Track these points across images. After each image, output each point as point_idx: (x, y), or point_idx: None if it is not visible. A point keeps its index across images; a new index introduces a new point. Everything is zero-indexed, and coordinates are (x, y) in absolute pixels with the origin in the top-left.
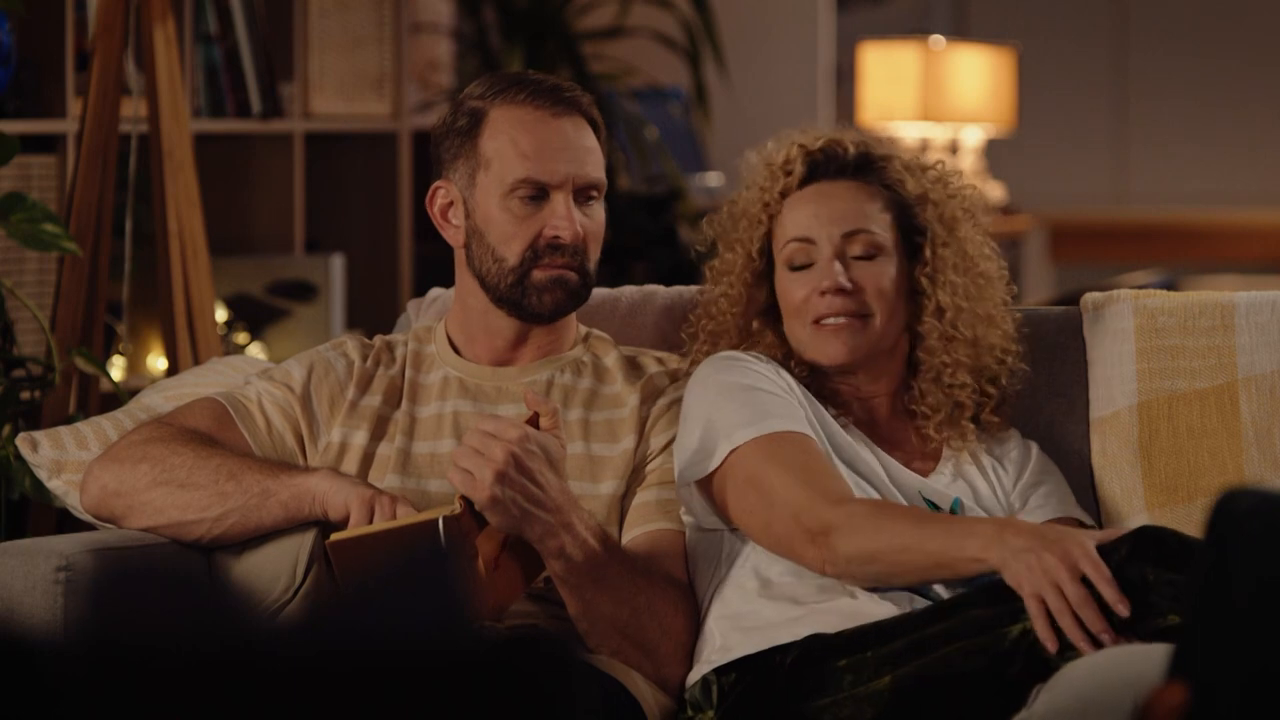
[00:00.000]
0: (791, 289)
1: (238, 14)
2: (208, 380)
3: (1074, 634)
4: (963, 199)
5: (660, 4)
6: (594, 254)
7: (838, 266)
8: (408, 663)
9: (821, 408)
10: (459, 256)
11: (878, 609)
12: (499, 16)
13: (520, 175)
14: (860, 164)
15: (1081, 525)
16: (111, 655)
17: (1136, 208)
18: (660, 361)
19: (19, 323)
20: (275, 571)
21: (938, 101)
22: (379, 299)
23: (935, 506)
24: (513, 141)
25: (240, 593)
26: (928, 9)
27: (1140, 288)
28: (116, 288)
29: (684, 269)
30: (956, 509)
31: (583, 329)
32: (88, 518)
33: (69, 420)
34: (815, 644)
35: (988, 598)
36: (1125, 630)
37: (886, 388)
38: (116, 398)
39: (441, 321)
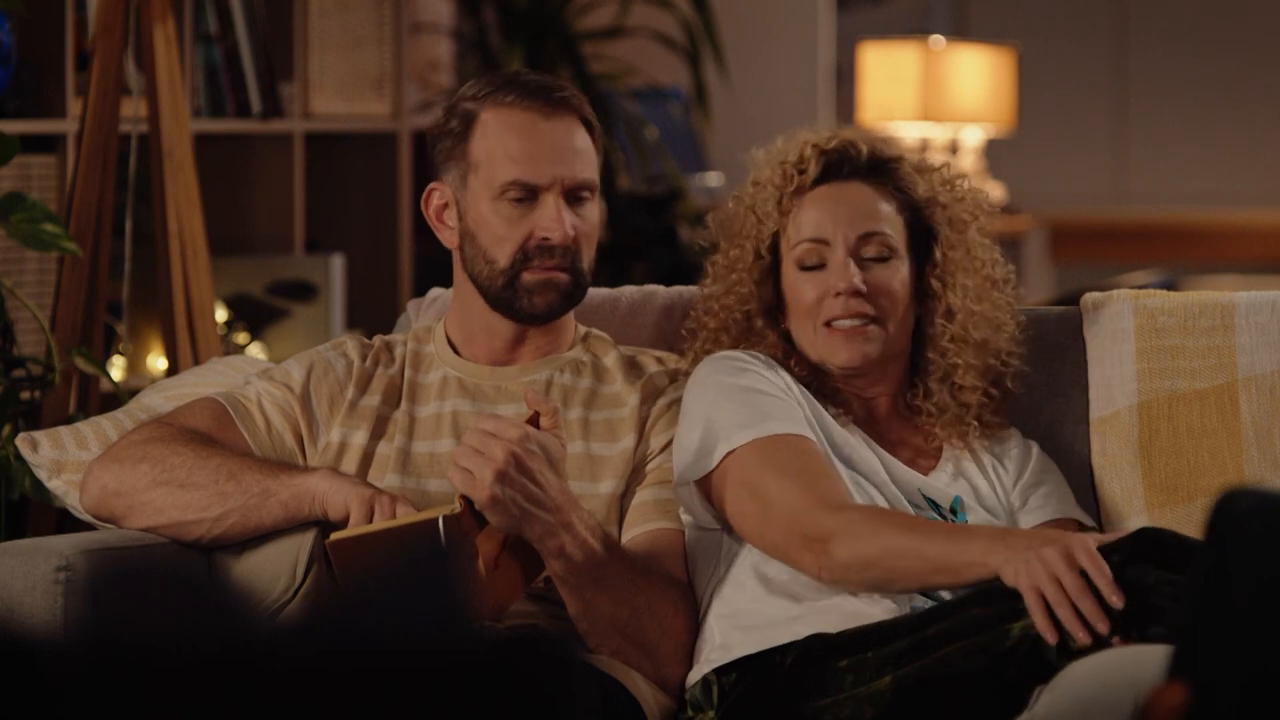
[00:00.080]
0: (803, 290)
1: (238, 14)
2: (208, 380)
3: (1072, 625)
4: (969, 201)
5: (660, 4)
6: (587, 254)
7: (853, 268)
8: (408, 663)
9: (821, 407)
10: (456, 257)
11: (878, 608)
12: (499, 16)
13: (509, 178)
14: (873, 165)
15: (1081, 526)
16: (111, 655)
17: (1136, 208)
18: (660, 361)
19: (19, 323)
20: (275, 571)
21: (938, 101)
22: (379, 299)
23: (935, 505)
24: (501, 144)
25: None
26: (928, 9)
27: (1140, 288)
28: (116, 288)
29: (684, 269)
30: (956, 507)
31: (582, 329)
32: (88, 518)
33: (69, 420)
34: (816, 644)
35: (988, 598)
36: (1125, 630)
37: (888, 388)
38: (116, 398)
39: (441, 321)
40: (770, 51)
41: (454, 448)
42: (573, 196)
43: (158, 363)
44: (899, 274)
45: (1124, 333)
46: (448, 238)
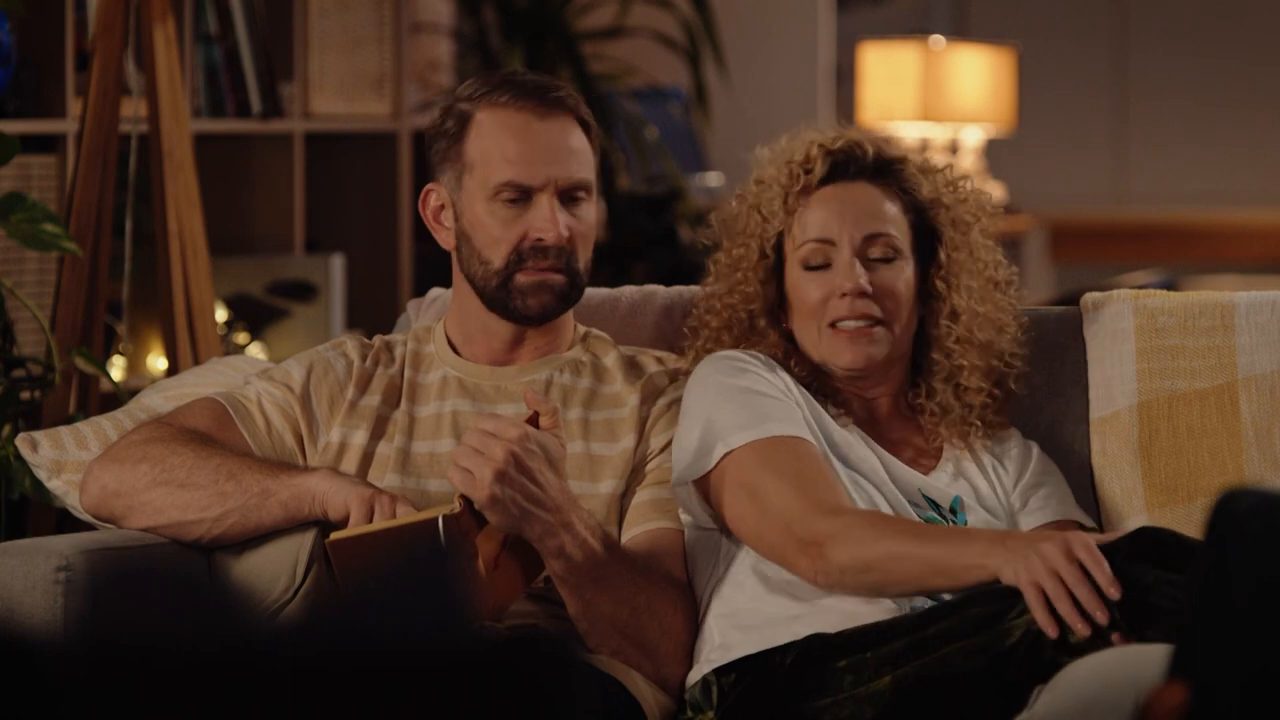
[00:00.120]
0: (808, 290)
1: (238, 14)
2: (208, 380)
3: (1071, 617)
4: (972, 203)
5: (660, 4)
6: (583, 254)
7: (859, 269)
8: (408, 663)
9: (820, 407)
10: (454, 258)
11: (878, 608)
12: (499, 16)
13: (502, 179)
14: (878, 166)
15: (1082, 528)
16: (111, 655)
17: (1136, 208)
18: (660, 361)
19: (19, 323)
20: (275, 571)
21: (938, 101)
22: (379, 299)
23: (935, 504)
24: (496, 145)
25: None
26: (928, 9)
27: (1140, 288)
28: (116, 288)
29: (684, 269)
30: (956, 507)
31: (581, 329)
32: (88, 518)
33: (69, 420)
34: (815, 644)
35: (988, 598)
36: (1125, 628)
37: (889, 388)
38: (116, 398)
39: (440, 321)
40: (770, 51)
41: (454, 448)
42: (568, 197)
43: (158, 363)
44: (903, 275)
45: (1124, 333)
46: (445, 239)
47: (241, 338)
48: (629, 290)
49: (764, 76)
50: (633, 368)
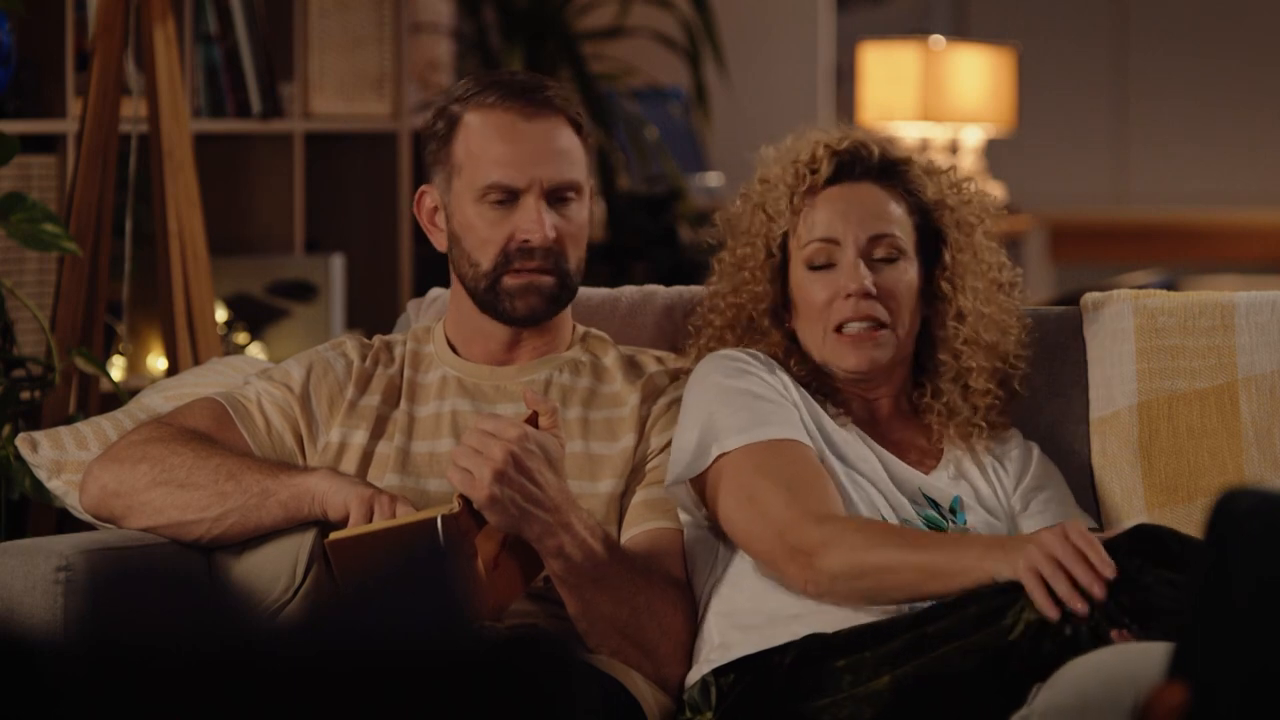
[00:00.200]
0: (812, 290)
1: (238, 14)
2: (208, 380)
3: (1068, 595)
4: (976, 204)
5: (660, 4)
6: (573, 255)
7: (863, 270)
8: (408, 663)
9: (819, 407)
10: (449, 259)
11: (876, 608)
12: (499, 16)
13: (488, 180)
14: (884, 166)
15: None
16: (111, 655)
17: (1136, 208)
18: (660, 361)
19: (19, 323)
20: (275, 571)
21: (938, 101)
22: (379, 299)
23: (935, 504)
24: (482, 146)
25: (240, 593)
26: (928, 9)
27: (1140, 288)
28: (116, 288)
29: (684, 269)
30: (956, 507)
31: (580, 329)
32: (87, 518)
33: (69, 420)
34: (813, 644)
35: (986, 596)
36: (1126, 621)
37: (890, 389)
38: (116, 398)
39: (440, 322)
40: (770, 51)
41: (453, 447)
42: (555, 197)
43: (158, 363)
44: (907, 276)
45: (1124, 333)
46: (439, 241)
47: (241, 338)
48: (629, 290)
49: (764, 76)
50: (632, 367)
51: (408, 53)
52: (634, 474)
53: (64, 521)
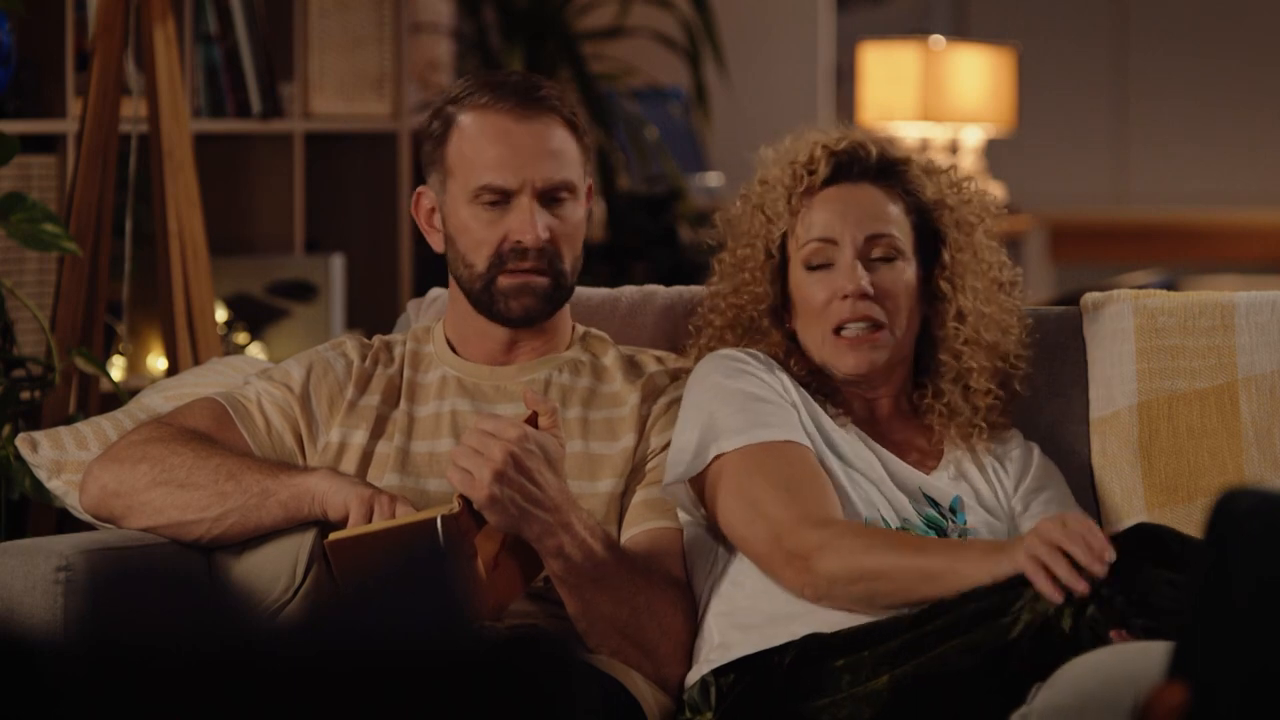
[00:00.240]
0: (811, 291)
1: (238, 14)
2: (208, 380)
3: (1069, 576)
4: (976, 204)
5: (660, 4)
6: (568, 255)
7: (860, 270)
8: (408, 663)
9: (819, 407)
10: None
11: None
12: (499, 16)
13: (480, 182)
14: (882, 167)
15: None
16: (111, 655)
17: (1136, 208)
18: (660, 360)
19: (19, 323)
20: (275, 571)
21: (938, 101)
22: (379, 299)
23: (935, 503)
24: (474, 148)
25: (240, 593)
26: (928, 9)
27: (1140, 288)
28: (116, 288)
29: (684, 269)
30: (956, 507)
31: (580, 328)
32: (87, 518)
33: (69, 420)
34: (812, 644)
35: (984, 594)
36: (1125, 624)
37: (890, 390)
38: (116, 398)
39: (440, 322)
40: (770, 51)
41: (453, 448)
42: (549, 198)
43: (158, 363)
44: (904, 276)
45: (1124, 333)
46: (436, 242)
47: (241, 338)
48: (629, 290)
49: (764, 76)
50: (632, 367)
51: (408, 53)
52: (634, 474)
53: (64, 521)
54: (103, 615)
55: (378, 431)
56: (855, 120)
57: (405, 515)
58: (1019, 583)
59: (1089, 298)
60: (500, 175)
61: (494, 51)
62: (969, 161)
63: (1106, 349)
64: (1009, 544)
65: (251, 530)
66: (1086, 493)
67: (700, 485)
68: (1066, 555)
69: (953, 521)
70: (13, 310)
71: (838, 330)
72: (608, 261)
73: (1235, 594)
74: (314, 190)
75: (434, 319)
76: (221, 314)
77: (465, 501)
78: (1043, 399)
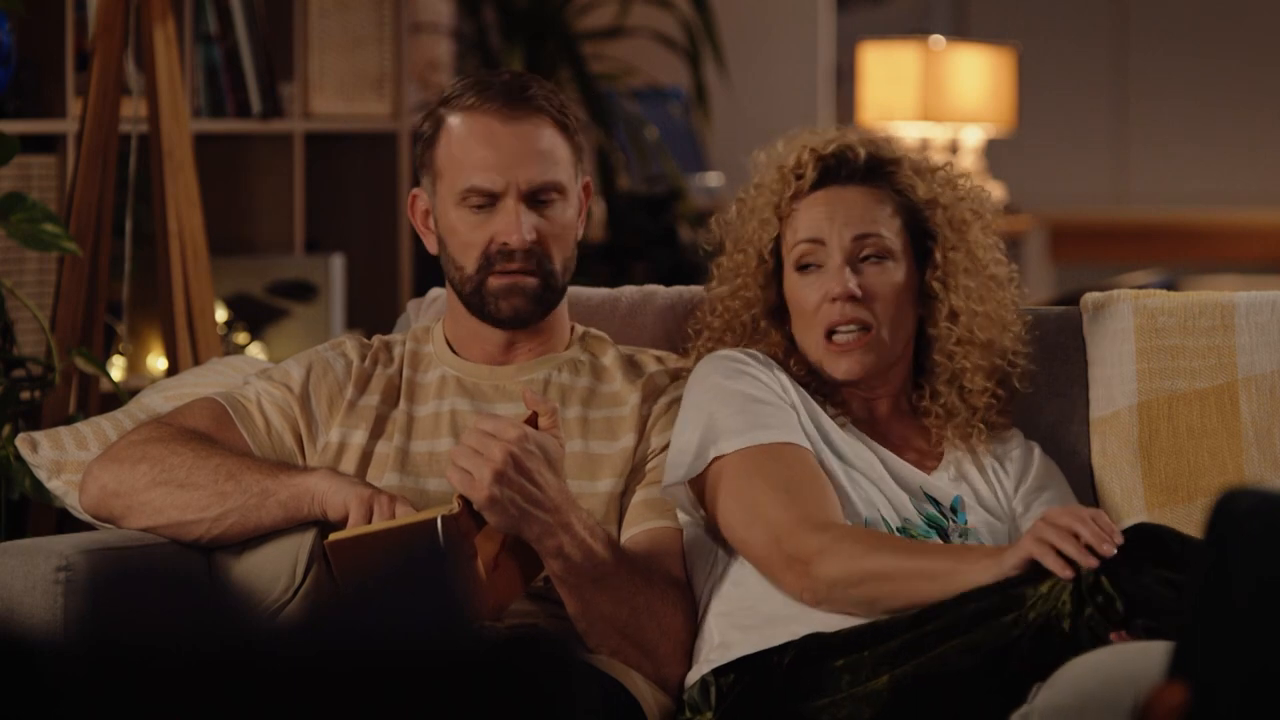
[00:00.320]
0: (802, 293)
1: (238, 14)
2: (208, 380)
3: (1079, 553)
4: (971, 201)
5: (660, 4)
6: (558, 255)
7: (848, 272)
8: (408, 663)
9: (819, 407)
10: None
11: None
12: (499, 16)
13: (467, 184)
14: (871, 168)
15: None
16: (111, 655)
17: (1136, 208)
18: (660, 360)
19: (19, 323)
20: (275, 571)
21: (938, 101)
22: (379, 299)
23: (936, 503)
24: (462, 149)
25: (240, 593)
26: (928, 9)
27: (1140, 288)
28: (116, 288)
29: (684, 269)
30: (957, 507)
31: (579, 328)
32: (87, 518)
33: (69, 420)
34: (812, 644)
35: (985, 594)
36: (1125, 623)
37: (889, 390)
38: (116, 398)
39: (439, 321)
40: (770, 51)
41: (452, 448)
42: (536, 199)
43: (158, 363)
44: (894, 276)
45: (1124, 333)
46: (431, 243)
47: (241, 338)
48: (629, 290)
49: (764, 76)
50: (632, 366)
51: (408, 53)
52: (634, 473)
53: (64, 521)
54: (103, 615)
55: (377, 431)
56: (855, 120)
57: (405, 515)
58: (1019, 583)
59: (1089, 298)
60: (486, 177)
61: (494, 51)
62: (969, 161)
63: (1106, 349)
64: (1013, 543)
65: (251, 530)
66: (1086, 493)
67: (700, 487)
68: (1075, 537)
69: (953, 521)
70: (13, 310)
71: (829, 336)
72: (608, 261)
73: (1235, 594)
74: (314, 190)
75: (434, 319)
76: (221, 314)
77: (465, 502)
78: (1043, 399)
